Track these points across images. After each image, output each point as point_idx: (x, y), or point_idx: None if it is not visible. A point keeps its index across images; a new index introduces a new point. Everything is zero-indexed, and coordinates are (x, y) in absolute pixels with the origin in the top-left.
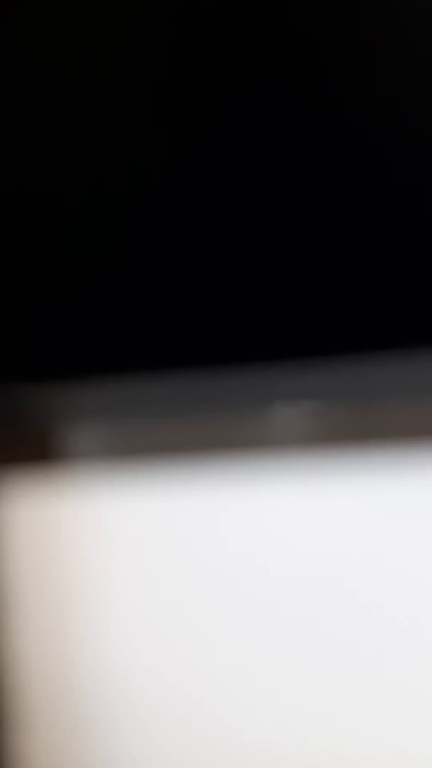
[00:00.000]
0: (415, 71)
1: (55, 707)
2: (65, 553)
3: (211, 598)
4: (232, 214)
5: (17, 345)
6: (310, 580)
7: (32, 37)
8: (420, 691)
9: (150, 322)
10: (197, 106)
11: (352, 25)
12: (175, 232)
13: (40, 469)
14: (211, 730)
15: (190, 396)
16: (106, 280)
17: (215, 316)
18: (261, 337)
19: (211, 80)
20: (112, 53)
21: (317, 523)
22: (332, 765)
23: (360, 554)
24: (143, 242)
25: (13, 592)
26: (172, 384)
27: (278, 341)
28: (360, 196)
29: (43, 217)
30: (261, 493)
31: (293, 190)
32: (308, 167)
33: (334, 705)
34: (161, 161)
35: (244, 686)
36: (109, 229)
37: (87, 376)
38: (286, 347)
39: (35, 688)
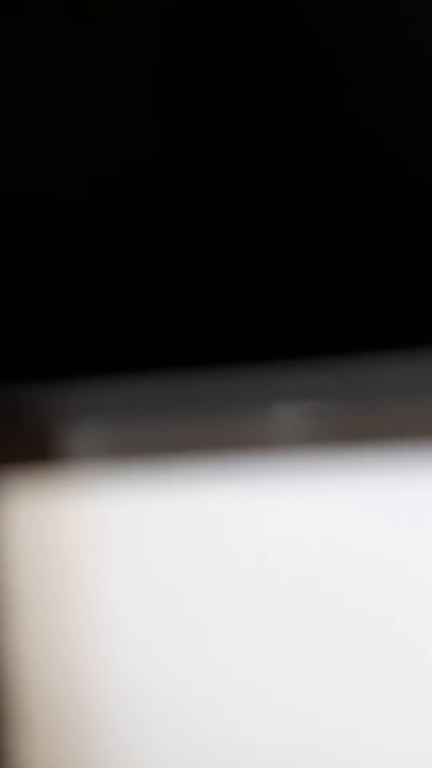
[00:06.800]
0: (416, 71)
1: (55, 707)
2: (65, 553)
3: (211, 598)
4: (231, 214)
5: (17, 345)
6: (309, 580)
7: (32, 36)
8: (423, 693)
9: (150, 322)
10: (196, 108)
11: (352, 23)
12: (174, 232)
13: (40, 469)
14: (211, 729)
15: (190, 396)
16: (106, 280)
17: (215, 316)
18: (261, 338)
19: (210, 79)
20: (112, 52)
21: (317, 522)
22: (333, 764)
23: (360, 554)
24: (143, 242)
25: (13, 592)
26: (172, 384)
27: (278, 341)
28: (359, 196)
29: (43, 217)
30: (261, 493)
31: (292, 190)
32: (307, 168)
33: (335, 707)
34: (161, 160)
35: (244, 686)
36: (108, 229)
37: (87, 376)
38: (286, 347)
39: (35, 688)
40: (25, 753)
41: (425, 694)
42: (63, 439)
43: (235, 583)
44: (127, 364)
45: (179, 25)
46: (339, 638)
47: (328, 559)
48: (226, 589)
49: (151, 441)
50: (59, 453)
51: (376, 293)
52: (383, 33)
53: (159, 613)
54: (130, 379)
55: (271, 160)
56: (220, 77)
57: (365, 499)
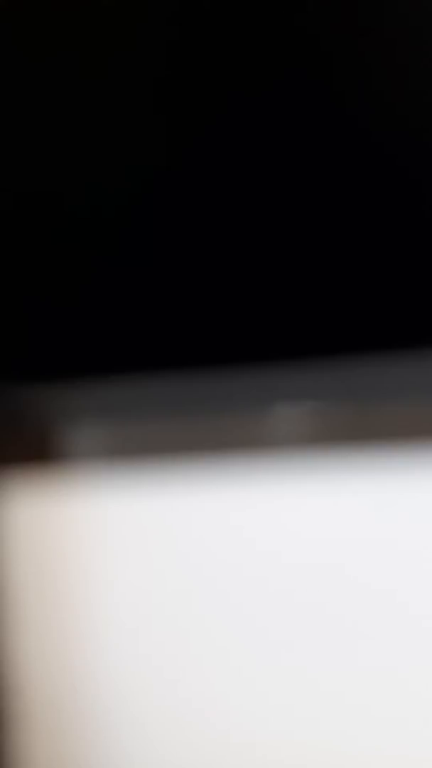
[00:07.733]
0: (416, 71)
1: (55, 707)
2: (65, 553)
3: (211, 598)
4: (231, 214)
5: (17, 345)
6: (309, 580)
7: (33, 37)
8: (424, 693)
9: (150, 322)
10: (197, 109)
11: (353, 24)
12: (174, 232)
13: (40, 469)
14: (211, 729)
15: (190, 396)
16: (106, 281)
17: (215, 316)
18: (261, 338)
19: (211, 79)
20: (113, 52)
21: (317, 522)
22: (340, 758)
23: (360, 554)
24: (143, 243)
25: (13, 592)
26: (172, 384)
27: (278, 341)
28: (359, 197)
29: (43, 217)
30: (261, 493)
31: (292, 190)
32: (307, 168)
33: (336, 707)
34: (161, 160)
35: (244, 686)
36: (108, 229)
37: (87, 377)
38: (285, 347)
39: (35, 688)
40: (25, 753)
41: (426, 694)
42: (63, 439)
43: (235, 583)
44: (127, 364)
45: (180, 25)
46: (339, 638)
47: (328, 559)
48: (226, 589)
49: (151, 441)
50: (59, 453)
51: (375, 293)
52: (383, 33)
53: (159, 612)
54: (130, 379)
55: (271, 160)
56: (221, 78)
57: (365, 499)
